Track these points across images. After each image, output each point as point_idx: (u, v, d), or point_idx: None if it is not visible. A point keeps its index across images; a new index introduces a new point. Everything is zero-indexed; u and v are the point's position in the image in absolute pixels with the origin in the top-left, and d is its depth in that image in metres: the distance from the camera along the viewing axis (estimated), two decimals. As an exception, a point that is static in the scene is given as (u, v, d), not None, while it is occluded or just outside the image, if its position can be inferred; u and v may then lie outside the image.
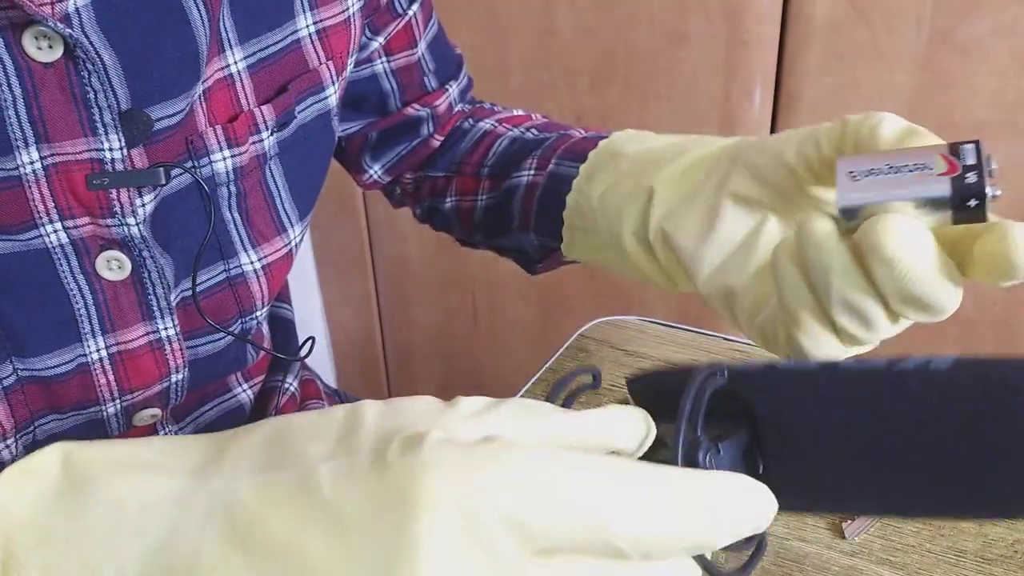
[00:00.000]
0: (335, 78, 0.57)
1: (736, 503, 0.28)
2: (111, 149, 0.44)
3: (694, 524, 0.27)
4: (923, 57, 1.03)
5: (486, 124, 0.71)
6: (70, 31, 0.42)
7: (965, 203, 0.36)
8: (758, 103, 1.14)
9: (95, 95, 0.43)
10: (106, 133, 0.44)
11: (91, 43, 0.43)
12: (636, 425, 0.32)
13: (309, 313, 1.60)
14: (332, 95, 0.57)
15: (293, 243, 0.57)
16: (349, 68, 0.59)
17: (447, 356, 1.55)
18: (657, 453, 0.33)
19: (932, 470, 0.31)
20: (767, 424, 0.34)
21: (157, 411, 0.54)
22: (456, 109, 0.72)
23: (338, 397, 0.77)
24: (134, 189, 0.46)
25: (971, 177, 0.36)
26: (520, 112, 0.72)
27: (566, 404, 0.38)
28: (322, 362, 1.66)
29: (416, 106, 0.68)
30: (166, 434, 0.58)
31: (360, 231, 1.50)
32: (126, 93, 0.45)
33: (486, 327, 1.47)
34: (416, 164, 0.71)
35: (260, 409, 0.66)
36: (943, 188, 0.36)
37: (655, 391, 0.37)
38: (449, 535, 0.25)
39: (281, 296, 0.72)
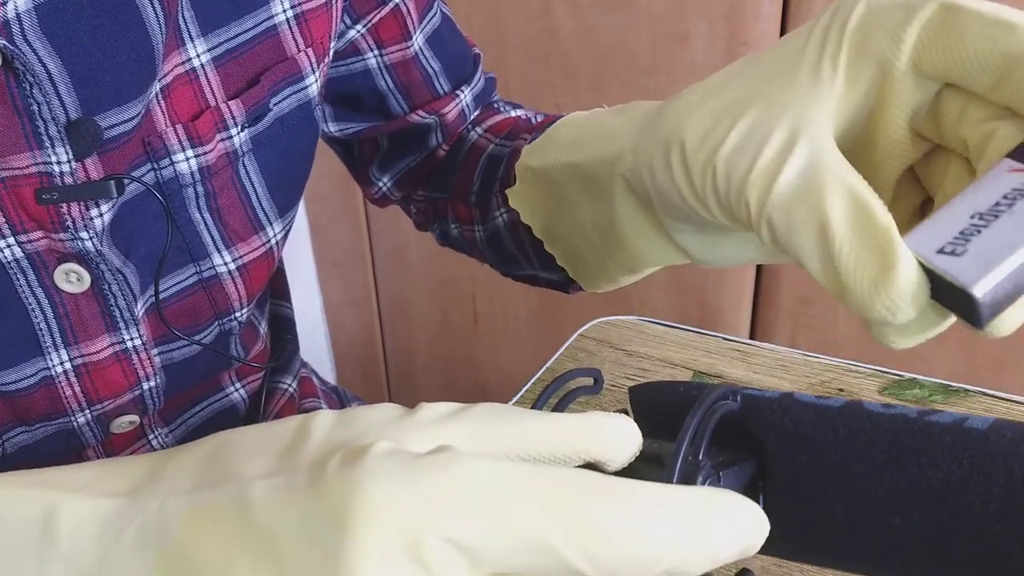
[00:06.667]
0: (315, 66, 0.53)
1: (723, 522, 0.25)
2: (59, 162, 0.42)
3: (669, 545, 0.24)
4: (923, 57, 1.03)
5: (474, 134, 0.65)
6: (5, 42, 0.40)
7: None
8: (758, 103, 1.14)
9: (39, 107, 0.41)
10: (52, 146, 0.42)
11: (33, 51, 0.41)
12: (621, 434, 0.29)
13: (309, 313, 1.60)
14: (312, 84, 0.53)
15: (273, 241, 0.55)
16: (330, 56, 0.56)
17: (447, 356, 1.55)
18: (650, 472, 0.29)
19: (951, 544, 0.27)
20: (777, 461, 0.30)
21: (135, 418, 0.53)
22: (470, 117, 0.66)
23: (336, 395, 0.77)
24: (86, 202, 0.44)
25: None
26: (514, 113, 0.67)
27: (560, 407, 0.36)
28: (322, 362, 1.66)
29: (422, 112, 0.63)
30: (155, 437, 0.58)
31: (360, 231, 1.50)
32: (75, 102, 0.43)
33: (486, 327, 1.47)
34: (425, 178, 0.67)
35: (259, 410, 0.65)
36: None
37: (658, 404, 0.34)
38: (387, 558, 0.23)
39: (281, 294, 0.70)
